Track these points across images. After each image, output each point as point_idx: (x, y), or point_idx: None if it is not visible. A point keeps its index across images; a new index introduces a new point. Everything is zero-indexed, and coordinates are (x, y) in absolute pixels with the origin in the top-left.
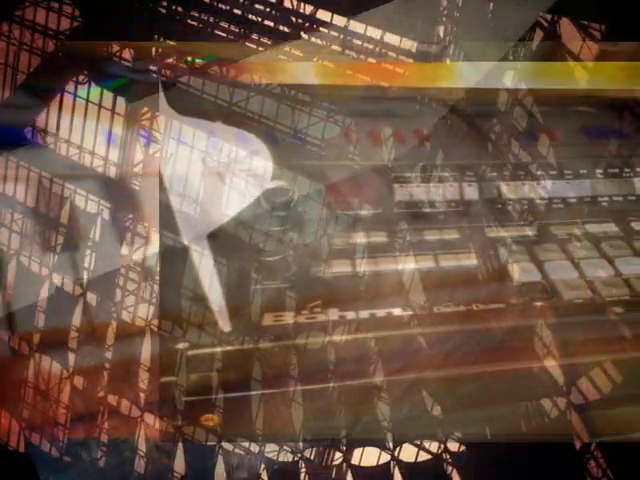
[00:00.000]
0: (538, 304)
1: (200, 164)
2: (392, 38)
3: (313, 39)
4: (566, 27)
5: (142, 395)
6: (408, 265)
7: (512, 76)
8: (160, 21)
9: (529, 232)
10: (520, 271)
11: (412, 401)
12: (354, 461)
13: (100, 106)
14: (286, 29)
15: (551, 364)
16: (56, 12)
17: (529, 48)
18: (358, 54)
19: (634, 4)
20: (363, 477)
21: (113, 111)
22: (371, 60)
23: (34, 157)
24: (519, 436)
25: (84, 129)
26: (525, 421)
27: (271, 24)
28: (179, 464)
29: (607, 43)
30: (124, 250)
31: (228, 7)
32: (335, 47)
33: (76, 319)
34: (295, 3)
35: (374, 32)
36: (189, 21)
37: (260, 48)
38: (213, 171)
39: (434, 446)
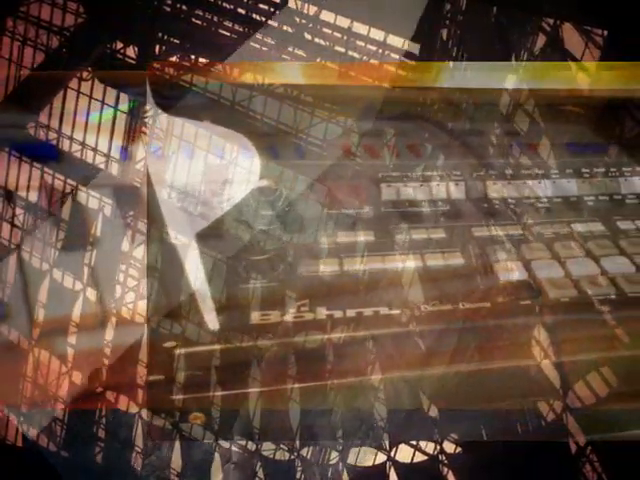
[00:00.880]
0: (524, 303)
1: (201, 163)
2: (395, 40)
3: (317, 40)
4: (568, 32)
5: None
6: (396, 264)
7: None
8: (163, 19)
9: (516, 231)
10: (506, 270)
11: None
12: (350, 461)
13: (103, 102)
14: (290, 29)
15: (536, 362)
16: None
17: (531, 52)
18: (361, 55)
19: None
20: (359, 477)
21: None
22: (374, 61)
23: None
24: (511, 436)
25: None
26: (512, 422)
27: (275, 24)
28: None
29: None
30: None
31: (232, 6)
32: (338, 48)
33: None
34: (299, 4)
35: (377, 34)
36: (193, 20)
37: (264, 48)
38: (213, 171)
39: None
